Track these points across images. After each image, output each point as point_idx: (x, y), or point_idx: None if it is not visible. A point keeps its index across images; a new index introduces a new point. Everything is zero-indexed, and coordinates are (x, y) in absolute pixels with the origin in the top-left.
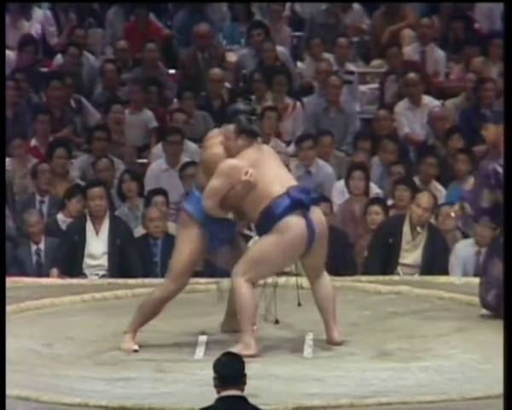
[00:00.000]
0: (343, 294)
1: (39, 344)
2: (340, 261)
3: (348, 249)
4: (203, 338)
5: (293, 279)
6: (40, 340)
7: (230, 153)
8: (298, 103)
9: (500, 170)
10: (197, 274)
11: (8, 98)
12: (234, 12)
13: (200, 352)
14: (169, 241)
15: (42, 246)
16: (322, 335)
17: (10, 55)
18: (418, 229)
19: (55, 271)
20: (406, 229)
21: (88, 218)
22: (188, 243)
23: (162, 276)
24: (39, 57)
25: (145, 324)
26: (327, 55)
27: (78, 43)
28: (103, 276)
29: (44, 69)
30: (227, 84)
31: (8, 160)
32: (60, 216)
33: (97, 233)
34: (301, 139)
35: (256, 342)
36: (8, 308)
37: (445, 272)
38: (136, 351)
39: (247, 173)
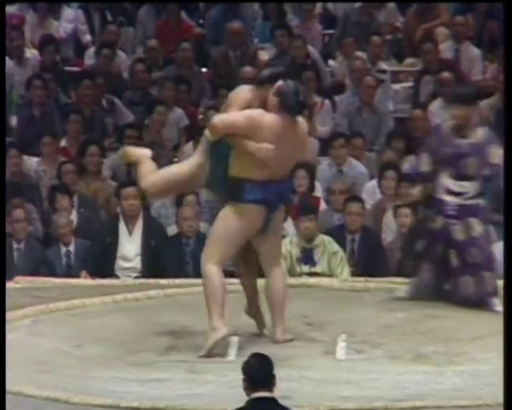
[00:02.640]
0: (376, 295)
1: (69, 345)
2: (373, 262)
3: (380, 250)
4: (235, 339)
5: (325, 280)
6: (70, 341)
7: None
8: (326, 101)
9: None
10: (229, 274)
11: (35, 98)
12: (265, 10)
13: (231, 353)
14: (201, 241)
15: (72, 248)
16: (355, 337)
17: (36, 54)
18: None
19: (84, 273)
20: None
21: (121, 218)
22: (189, 161)
23: (194, 275)
24: (69, 56)
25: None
26: (360, 54)
27: (110, 42)
28: (136, 278)
29: (74, 68)
30: None
31: (35, 160)
32: None
33: (130, 234)
34: (333, 138)
35: (224, 323)
36: (37, 309)
37: None
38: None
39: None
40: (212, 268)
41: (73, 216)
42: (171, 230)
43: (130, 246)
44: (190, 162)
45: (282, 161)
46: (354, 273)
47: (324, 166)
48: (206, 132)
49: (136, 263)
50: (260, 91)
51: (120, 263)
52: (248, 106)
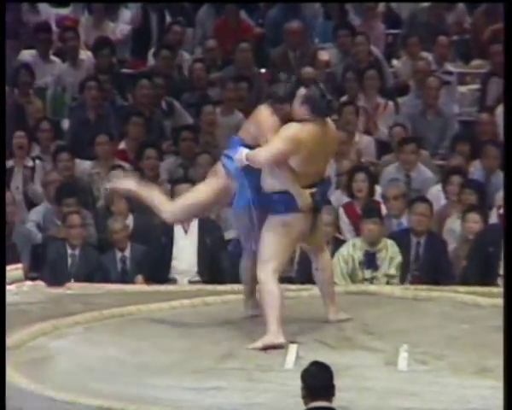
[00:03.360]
0: (440, 305)
1: (124, 353)
2: (437, 269)
3: (445, 257)
4: (293, 347)
5: (386, 288)
6: (125, 348)
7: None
8: (390, 103)
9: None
10: (288, 280)
11: (89, 100)
12: (327, 9)
13: (290, 361)
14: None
15: (127, 253)
16: (417, 347)
17: (91, 56)
18: None
19: (139, 278)
20: None
21: None
22: (207, 186)
23: None
24: (125, 58)
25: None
26: (425, 54)
27: (173, 42)
28: (192, 280)
29: (130, 70)
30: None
31: (89, 163)
32: None
33: (186, 232)
34: (404, 142)
35: (282, 332)
36: (90, 315)
37: None
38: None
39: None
40: (268, 276)
41: (130, 220)
42: (228, 234)
43: (185, 244)
44: (210, 187)
45: (318, 167)
46: (418, 279)
47: (392, 169)
48: (223, 159)
49: (193, 264)
50: (279, 107)
51: (176, 264)
52: (276, 126)
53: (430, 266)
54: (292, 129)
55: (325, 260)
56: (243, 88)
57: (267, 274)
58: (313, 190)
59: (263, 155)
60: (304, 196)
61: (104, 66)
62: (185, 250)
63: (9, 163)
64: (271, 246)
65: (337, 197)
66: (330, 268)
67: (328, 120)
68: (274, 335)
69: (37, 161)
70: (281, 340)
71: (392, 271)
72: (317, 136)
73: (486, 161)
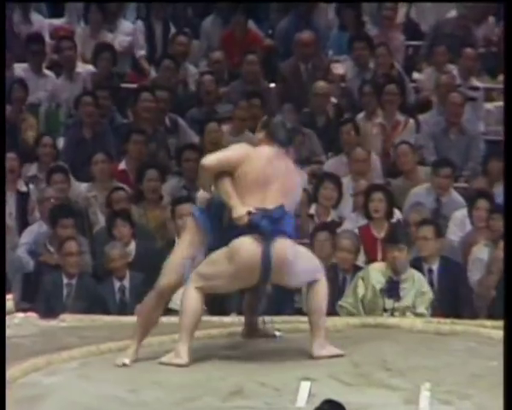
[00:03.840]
0: (465, 340)
1: (123, 390)
2: (457, 298)
3: (465, 285)
4: (306, 383)
5: (406, 320)
6: (123, 385)
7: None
8: (411, 120)
9: None
10: (298, 312)
11: (85, 117)
12: (342, 20)
13: (302, 399)
14: None
15: (126, 282)
16: (440, 385)
17: (89, 69)
18: None
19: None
20: None
21: (176, 240)
22: (182, 245)
23: (264, 312)
24: (125, 71)
25: (144, 334)
26: (450, 67)
27: (178, 53)
28: None
29: (130, 85)
30: (333, 99)
31: (85, 185)
32: None
33: None
34: (440, 165)
35: (189, 352)
36: (86, 350)
37: None
38: (125, 365)
39: (249, 214)
40: (191, 290)
41: (132, 247)
42: None
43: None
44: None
45: (267, 193)
46: (434, 310)
47: (420, 190)
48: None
49: None
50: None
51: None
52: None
53: (447, 295)
54: (243, 145)
55: (316, 289)
56: (256, 105)
57: (190, 288)
58: (252, 210)
59: (207, 158)
60: (238, 209)
61: (103, 76)
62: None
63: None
64: (209, 263)
65: (353, 220)
66: (320, 298)
67: (287, 152)
68: (176, 354)
69: (31, 186)
70: (181, 361)
71: (422, 309)
72: (269, 160)
73: None
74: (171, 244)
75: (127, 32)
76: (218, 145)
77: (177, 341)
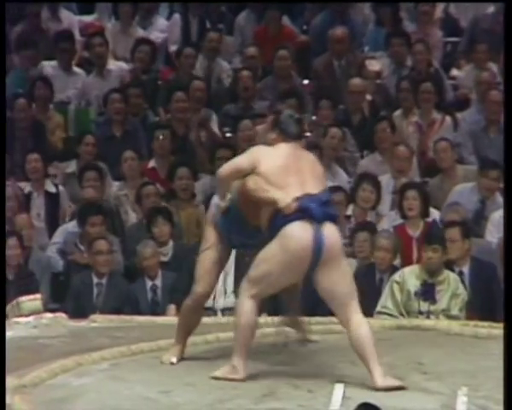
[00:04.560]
0: (502, 344)
1: (155, 391)
2: (491, 301)
3: (497, 286)
4: (340, 386)
5: (443, 323)
6: (156, 387)
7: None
8: (447, 118)
9: None
10: (331, 313)
11: (113, 114)
12: (378, 15)
13: (336, 402)
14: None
15: (158, 282)
16: (478, 390)
17: (121, 65)
18: None
19: (172, 308)
20: None
21: None
22: (210, 249)
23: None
24: (157, 68)
25: (187, 334)
26: (491, 65)
27: (208, 50)
28: (226, 307)
29: (161, 82)
30: (368, 96)
31: (116, 183)
32: None
33: None
34: (488, 166)
35: (245, 367)
36: (116, 350)
37: None
38: (172, 363)
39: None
40: (244, 300)
41: (169, 246)
42: None
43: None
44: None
45: (296, 179)
46: (466, 312)
47: (463, 189)
48: (208, 215)
49: (228, 284)
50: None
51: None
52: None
53: (479, 297)
54: (257, 147)
55: (357, 325)
56: (292, 106)
57: (244, 299)
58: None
59: (222, 168)
60: (283, 197)
61: (141, 72)
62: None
63: (26, 188)
64: (258, 264)
65: (392, 218)
66: (366, 331)
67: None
68: (232, 368)
69: (61, 187)
70: (238, 376)
71: (456, 311)
72: (288, 154)
73: None
74: None
75: (162, 27)
76: (251, 142)
77: (233, 355)
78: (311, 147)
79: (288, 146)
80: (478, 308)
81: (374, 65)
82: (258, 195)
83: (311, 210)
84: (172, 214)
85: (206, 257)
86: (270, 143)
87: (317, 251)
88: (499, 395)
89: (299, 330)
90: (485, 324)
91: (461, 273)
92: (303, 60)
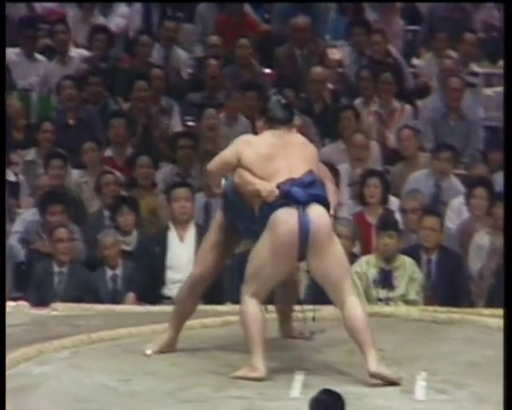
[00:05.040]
0: (462, 329)
1: (115, 380)
2: (454, 287)
3: (462, 274)
4: (300, 373)
5: (402, 309)
6: (116, 375)
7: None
8: (407, 106)
9: None
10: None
11: (66, 102)
12: (341, 4)
13: (296, 390)
14: None
15: (119, 271)
16: (437, 375)
17: (82, 52)
18: None
19: (131, 296)
20: None
21: (171, 225)
22: (212, 232)
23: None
24: (117, 55)
25: (181, 322)
26: (450, 52)
27: (167, 38)
28: None
29: (122, 67)
30: (329, 85)
31: (76, 171)
32: None
33: (182, 240)
34: (439, 149)
35: (264, 363)
36: (77, 339)
37: None
38: (146, 355)
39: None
40: (245, 298)
41: (133, 236)
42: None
43: (181, 253)
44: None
45: (292, 162)
46: (431, 299)
47: (419, 176)
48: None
49: (188, 274)
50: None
51: (170, 275)
52: None
53: (444, 284)
54: (241, 137)
55: (351, 306)
56: (251, 97)
57: (245, 299)
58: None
59: (210, 163)
60: (265, 186)
61: (98, 59)
62: (181, 259)
63: None
64: (252, 259)
65: (350, 207)
66: (361, 313)
67: (293, 130)
68: (251, 367)
69: (21, 176)
70: (258, 374)
71: (413, 295)
72: (273, 140)
73: None
74: (163, 232)
75: (122, 15)
76: (214, 131)
77: (250, 354)
78: None
79: (274, 133)
80: (443, 296)
81: (335, 54)
82: (243, 189)
83: (293, 194)
84: (138, 204)
85: (207, 241)
86: (258, 130)
87: (304, 234)
88: (458, 378)
89: (286, 323)
90: (445, 309)
91: (429, 261)
92: (265, 49)
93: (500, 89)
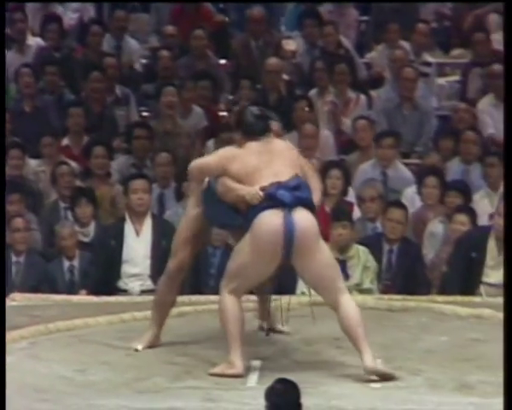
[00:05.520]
0: (417, 316)
1: (71, 370)
2: (413, 277)
3: (421, 264)
4: (257, 363)
5: (357, 298)
6: (72, 365)
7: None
8: (362, 96)
9: None
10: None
11: (24, 89)
12: None
13: (252, 379)
14: (229, 253)
15: (76, 262)
16: (392, 362)
17: (40, 42)
18: None
19: (83, 293)
20: (491, 242)
21: (127, 217)
22: (188, 220)
23: (217, 291)
24: (71, 45)
25: (162, 317)
26: (402, 43)
27: (118, 27)
28: (145, 290)
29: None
30: (284, 76)
31: (35, 161)
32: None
33: (138, 234)
34: (381, 136)
35: (242, 360)
36: (35, 329)
37: None
38: (136, 350)
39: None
40: (224, 294)
41: (91, 227)
42: None
43: (137, 247)
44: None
45: (277, 168)
46: (390, 289)
47: (367, 167)
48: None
49: (145, 268)
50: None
51: (126, 268)
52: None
53: (404, 274)
54: (227, 149)
55: (344, 306)
56: (204, 87)
57: (224, 296)
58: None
59: (192, 164)
60: (249, 190)
61: (52, 49)
62: (137, 253)
63: None
64: (233, 257)
65: None
66: (355, 310)
67: (274, 140)
68: (229, 364)
69: None
70: (236, 371)
71: (368, 284)
72: (258, 150)
73: (464, 157)
74: (119, 224)
75: (77, 4)
76: (173, 109)
77: (228, 351)
78: (229, 128)
79: (257, 144)
80: (403, 285)
81: (290, 45)
82: (227, 197)
83: (278, 196)
84: (95, 195)
85: (182, 233)
86: (238, 144)
87: (289, 236)
88: (413, 365)
89: (266, 318)
90: (399, 297)
91: (391, 251)
92: (220, 39)
93: (452, 78)
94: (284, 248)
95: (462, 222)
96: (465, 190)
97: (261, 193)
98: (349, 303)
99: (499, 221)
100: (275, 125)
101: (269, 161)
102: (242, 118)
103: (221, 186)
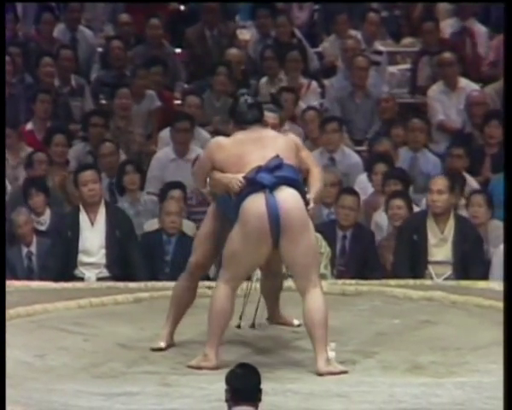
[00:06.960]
0: (370, 299)
1: (30, 355)
2: (366, 262)
3: (373, 250)
4: None
5: None
6: (31, 350)
7: None
8: (313, 83)
9: None
10: (207, 278)
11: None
12: None
13: None
14: (183, 240)
15: (33, 249)
16: (346, 345)
17: None
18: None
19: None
20: (430, 222)
21: (81, 208)
22: (207, 215)
23: (172, 278)
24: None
25: (178, 315)
26: (353, 32)
27: (71, 17)
28: (101, 277)
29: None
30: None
31: None
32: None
33: (92, 224)
34: (326, 121)
35: (217, 354)
36: None
37: (480, 269)
38: (161, 349)
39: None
40: (219, 286)
41: (46, 216)
42: (150, 225)
43: (92, 237)
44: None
45: (263, 153)
46: (344, 274)
47: (316, 154)
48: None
49: (101, 257)
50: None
51: (83, 258)
52: None
53: (357, 260)
54: (211, 142)
55: (310, 299)
56: (157, 73)
57: (219, 285)
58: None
59: (195, 166)
60: (232, 178)
61: (9, 35)
62: (92, 243)
63: None
64: (226, 247)
65: None
66: (321, 307)
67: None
68: (204, 357)
69: None
70: (210, 363)
71: (321, 269)
72: (244, 139)
73: (413, 144)
74: (75, 213)
75: None
76: (127, 110)
77: (206, 343)
78: (185, 117)
79: (245, 132)
80: (357, 270)
81: (245, 34)
82: (217, 189)
83: (258, 179)
84: (46, 184)
85: (202, 229)
86: (231, 134)
87: (274, 217)
88: (366, 348)
89: (273, 310)
90: (353, 281)
91: (344, 238)
92: (176, 28)
93: (403, 66)
94: (271, 230)
95: (398, 206)
96: (404, 178)
97: (242, 179)
98: (316, 299)
99: (433, 197)
100: (273, 116)
101: (256, 149)
102: (235, 106)
103: (210, 179)
